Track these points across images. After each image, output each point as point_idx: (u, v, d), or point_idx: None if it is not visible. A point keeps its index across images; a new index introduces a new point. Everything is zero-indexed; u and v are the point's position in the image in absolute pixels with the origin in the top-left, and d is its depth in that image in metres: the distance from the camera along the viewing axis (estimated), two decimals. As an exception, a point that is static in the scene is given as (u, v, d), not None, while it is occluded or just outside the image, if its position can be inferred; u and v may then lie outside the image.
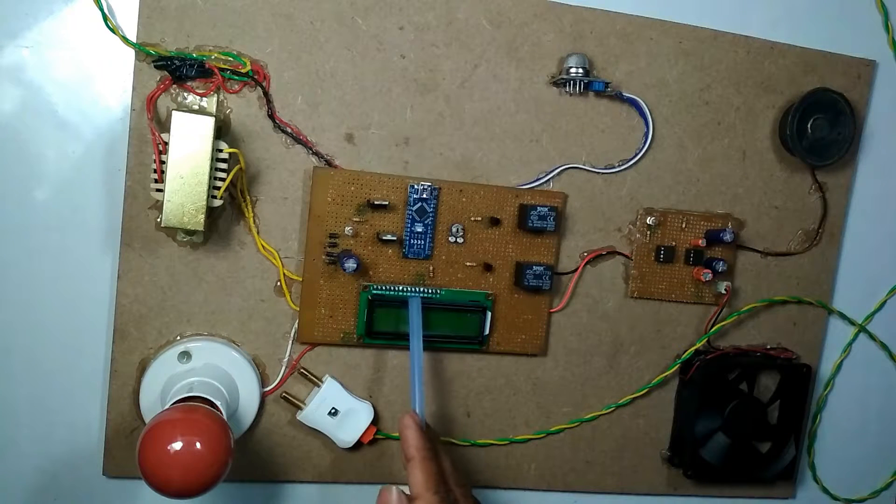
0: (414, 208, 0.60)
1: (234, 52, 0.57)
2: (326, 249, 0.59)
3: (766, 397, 0.69)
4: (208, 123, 0.53)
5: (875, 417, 0.75)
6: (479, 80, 0.61)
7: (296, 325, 0.60)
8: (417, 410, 0.55)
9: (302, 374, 0.61)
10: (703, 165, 0.66)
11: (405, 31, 0.60)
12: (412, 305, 0.60)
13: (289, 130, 0.59)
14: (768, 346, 0.69)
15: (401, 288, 0.61)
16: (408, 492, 0.51)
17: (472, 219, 0.62)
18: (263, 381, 0.61)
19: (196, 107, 0.57)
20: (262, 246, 0.59)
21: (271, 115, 0.58)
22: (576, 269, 0.65)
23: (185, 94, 0.56)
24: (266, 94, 0.58)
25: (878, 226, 0.71)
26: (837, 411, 0.73)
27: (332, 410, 0.61)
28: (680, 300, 0.67)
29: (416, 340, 0.58)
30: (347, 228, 0.59)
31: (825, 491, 0.74)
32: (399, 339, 0.61)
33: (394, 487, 0.51)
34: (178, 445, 0.47)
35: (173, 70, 0.55)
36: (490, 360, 0.65)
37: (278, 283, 0.60)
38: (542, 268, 0.62)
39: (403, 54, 0.60)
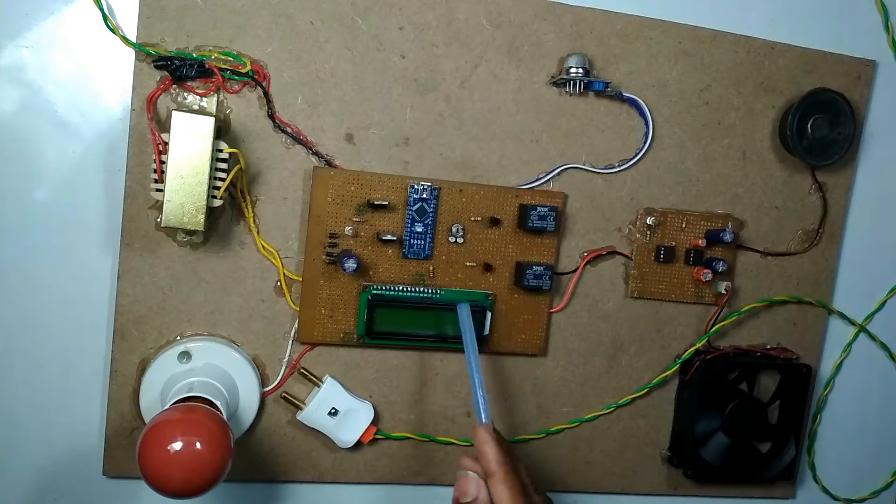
0: (414, 208, 0.60)
1: (234, 52, 0.57)
2: (326, 249, 0.59)
3: (766, 397, 0.69)
4: (208, 123, 0.53)
5: (875, 417, 0.75)
6: (479, 80, 0.61)
7: (296, 325, 0.60)
8: (485, 420, 0.54)
9: (302, 374, 0.61)
10: (703, 165, 0.66)
11: (405, 31, 0.60)
12: (462, 312, 0.59)
13: (289, 130, 0.59)
14: (768, 346, 0.69)
15: (401, 288, 0.61)
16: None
17: (472, 219, 0.62)
18: (263, 381, 0.60)
19: (196, 107, 0.57)
20: (262, 246, 0.59)
21: (271, 115, 0.58)
22: (576, 269, 0.65)
23: (185, 94, 0.56)
24: (266, 94, 0.58)
25: (878, 226, 0.71)
26: (837, 411, 0.73)
27: (332, 410, 0.61)
28: (680, 300, 0.67)
29: (472, 347, 0.57)
30: (347, 228, 0.59)
31: (825, 491, 0.74)
32: (399, 340, 0.61)
33: (472, 475, 0.52)
34: (178, 445, 0.47)
35: (173, 70, 0.55)
36: (490, 360, 0.65)
37: (278, 283, 0.60)
38: (542, 268, 0.62)
39: (403, 54, 0.60)
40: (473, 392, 0.55)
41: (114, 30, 0.55)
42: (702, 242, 0.65)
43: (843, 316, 0.72)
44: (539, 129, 0.63)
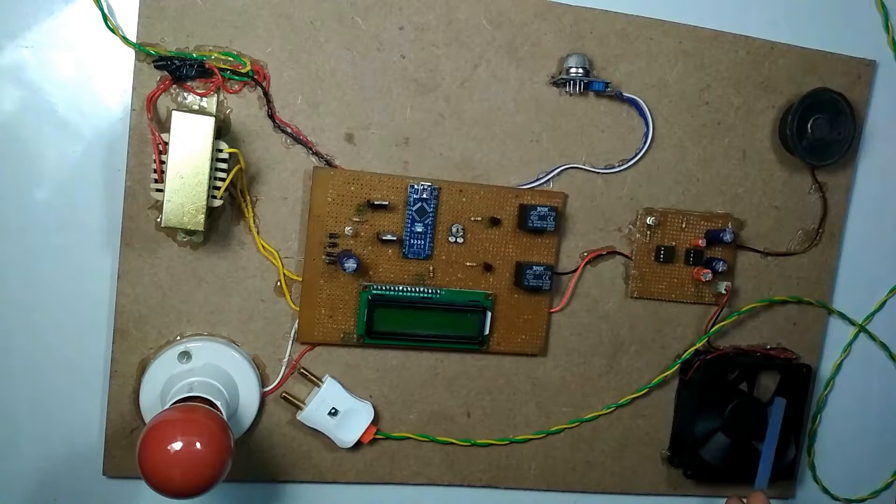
0: (414, 208, 0.60)
1: (234, 52, 0.57)
2: (326, 249, 0.59)
3: (766, 397, 0.69)
4: (208, 123, 0.53)
5: (875, 417, 0.75)
6: (479, 80, 0.61)
7: (296, 325, 0.60)
8: (763, 486, 0.64)
9: (302, 374, 0.61)
10: (703, 165, 0.66)
11: (405, 31, 0.60)
12: (776, 407, 0.67)
13: (289, 130, 0.59)
14: (768, 346, 0.69)
15: (401, 288, 0.61)
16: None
17: (472, 219, 0.62)
18: (263, 381, 0.61)
19: (196, 107, 0.57)
20: (262, 246, 0.59)
21: (271, 115, 0.58)
22: (576, 269, 0.65)
23: (185, 94, 0.56)
24: (266, 94, 0.58)
25: (878, 226, 0.71)
26: (837, 411, 0.73)
27: (332, 410, 0.61)
28: (680, 300, 0.67)
29: (775, 426, 0.67)
30: (347, 228, 0.59)
31: (825, 491, 0.74)
32: (399, 340, 0.61)
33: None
34: (178, 445, 0.47)
35: (173, 70, 0.55)
36: (490, 360, 0.65)
37: (278, 283, 0.60)
38: (542, 268, 0.62)
39: (403, 54, 0.60)
40: (763, 457, 0.66)
41: (114, 30, 0.55)
42: (702, 242, 0.65)
43: (843, 316, 0.72)
44: (539, 129, 0.63)
